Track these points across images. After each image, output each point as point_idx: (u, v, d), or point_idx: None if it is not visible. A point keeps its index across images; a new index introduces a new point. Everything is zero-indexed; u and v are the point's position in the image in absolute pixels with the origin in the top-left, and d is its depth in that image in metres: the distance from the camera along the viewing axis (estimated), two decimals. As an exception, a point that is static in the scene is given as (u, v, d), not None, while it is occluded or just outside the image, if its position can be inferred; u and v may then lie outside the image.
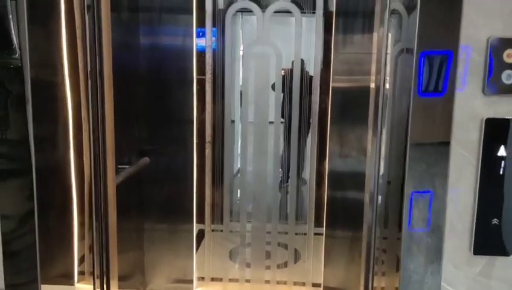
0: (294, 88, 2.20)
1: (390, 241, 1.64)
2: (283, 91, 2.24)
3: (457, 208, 1.52)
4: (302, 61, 2.19)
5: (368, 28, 2.05)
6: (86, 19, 1.26)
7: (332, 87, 2.04)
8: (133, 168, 1.97)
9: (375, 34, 1.51)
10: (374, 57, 1.50)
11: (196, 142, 2.23)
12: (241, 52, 2.22)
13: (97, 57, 1.26)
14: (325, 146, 2.20)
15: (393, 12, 1.44)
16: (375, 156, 1.46)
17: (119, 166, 1.94)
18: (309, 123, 2.30)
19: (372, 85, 1.51)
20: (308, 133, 2.35)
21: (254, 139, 2.24)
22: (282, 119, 2.31)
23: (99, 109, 1.31)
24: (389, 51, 1.44)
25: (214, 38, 2.20)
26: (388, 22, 1.35)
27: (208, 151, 2.27)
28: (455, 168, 1.52)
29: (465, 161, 1.51)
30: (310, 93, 2.24)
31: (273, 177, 2.36)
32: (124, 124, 2.07)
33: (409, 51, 1.46)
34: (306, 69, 2.21)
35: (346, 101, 2.07)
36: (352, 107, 2.08)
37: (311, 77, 2.22)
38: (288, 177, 2.45)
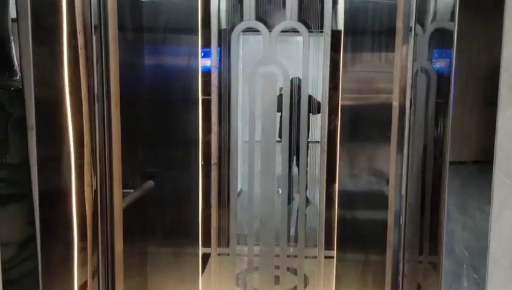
0: (292, 107, 2.16)
1: (411, 265, 1.55)
2: (279, 110, 2.20)
3: (501, 240, 1.42)
4: (299, 80, 2.15)
5: (378, 47, 2.02)
6: (92, 39, 1.21)
7: (341, 106, 2.00)
8: (138, 193, 1.90)
9: (396, 53, 1.47)
10: (396, 75, 1.45)
11: (202, 164, 2.18)
12: (247, 72, 2.19)
13: (104, 79, 1.21)
14: (335, 167, 2.14)
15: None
16: (399, 176, 1.39)
17: (124, 190, 1.89)
18: (307, 143, 2.24)
19: (395, 104, 1.45)
20: (307, 153, 2.29)
21: (261, 158, 2.19)
22: (278, 139, 2.26)
23: (106, 133, 1.25)
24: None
25: (219, 58, 2.17)
26: (414, 39, 1.31)
27: (213, 173, 2.21)
28: (498, 197, 1.41)
29: (510, 190, 1.41)
30: (309, 111, 2.19)
31: (280, 198, 2.30)
32: (128, 146, 2.01)
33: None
34: (303, 88, 2.17)
35: (356, 120, 2.02)
36: (362, 126, 2.03)
37: (309, 96, 2.18)
38: (290, 198, 2.38)
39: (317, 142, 2.29)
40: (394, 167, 1.45)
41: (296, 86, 2.17)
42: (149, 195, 2.09)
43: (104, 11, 1.24)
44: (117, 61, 1.24)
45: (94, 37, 1.22)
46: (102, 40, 1.24)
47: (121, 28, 1.92)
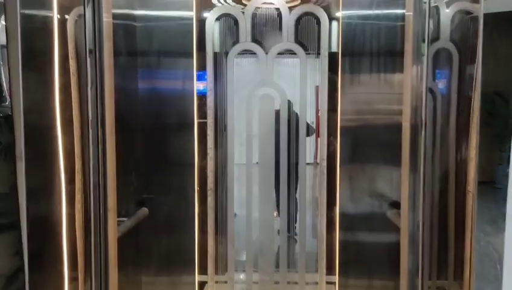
0: (282, 130, 2.11)
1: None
2: (276, 131, 2.15)
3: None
4: (289, 102, 2.11)
5: (377, 68, 2.00)
6: (87, 64, 1.16)
7: (340, 127, 1.97)
8: (132, 222, 1.83)
9: (405, 74, 1.44)
10: (406, 95, 1.42)
11: (197, 190, 2.12)
12: (244, 95, 2.16)
13: (99, 104, 1.15)
14: (335, 190, 2.09)
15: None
16: (413, 198, 1.33)
17: (117, 219, 1.82)
18: (297, 168, 2.18)
19: (406, 124, 1.41)
20: (297, 179, 2.23)
21: (258, 181, 2.14)
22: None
23: (101, 159, 1.19)
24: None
25: (215, 81, 2.13)
26: (427, 60, 1.28)
27: (210, 198, 2.15)
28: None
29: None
30: (297, 134, 2.14)
31: (279, 222, 2.23)
32: (121, 172, 1.95)
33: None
34: (294, 110, 2.13)
35: (356, 141, 1.98)
36: (362, 147, 1.99)
37: (297, 116, 2.14)
38: (289, 222, 2.31)
39: (308, 163, 2.24)
40: (407, 189, 1.39)
41: (291, 108, 2.13)
42: (143, 222, 2.02)
43: (100, 36, 1.19)
44: (112, 86, 1.19)
45: (88, 62, 1.17)
46: (97, 65, 1.19)
47: (115, 52, 1.89)
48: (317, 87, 2.10)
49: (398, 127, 1.84)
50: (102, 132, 1.18)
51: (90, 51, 1.19)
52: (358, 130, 1.99)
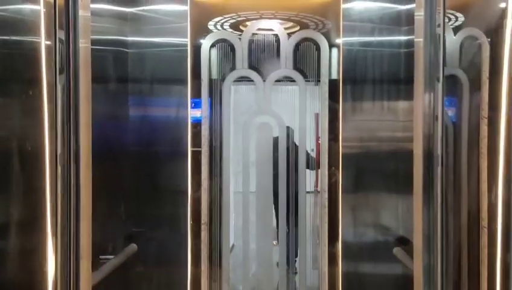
0: (281, 160, 2.01)
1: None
2: (274, 159, 2.04)
3: None
4: (290, 129, 2.02)
5: (380, 95, 1.93)
6: (57, 91, 1.02)
7: (342, 156, 1.87)
8: (118, 259, 1.69)
9: (416, 101, 1.36)
10: (417, 123, 1.33)
11: (191, 224, 1.99)
12: (240, 123, 2.07)
13: (72, 137, 1.01)
14: (337, 222, 1.97)
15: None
16: (427, 231, 1.22)
17: (102, 256, 1.68)
18: (296, 199, 2.07)
19: (418, 152, 1.31)
20: (297, 212, 2.11)
21: (256, 211, 2.03)
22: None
23: (73, 199, 1.05)
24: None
25: (210, 109, 2.04)
26: (443, 87, 1.20)
27: (203, 233, 2.01)
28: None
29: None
30: (296, 164, 2.03)
31: (278, 254, 2.09)
32: (108, 205, 1.83)
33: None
34: (293, 139, 2.03)
35: (358, 171, 1.89)
36: (365, 177, 1.89)
37: (295, 144, 2.04)
38: (288, 259, 2.18)
39: (309, 192, 2.14)
40: (420, 221, 1.28)
41: (286, 136, 2.03)
42: (132, 260, 1.88)
43: (75, 62, 1.08)
44: (89, 116, 1.07)
45: (59, 89, 1.05)
46: (72, 94, 1.06)
47: (104, 79, 1.80)
48: (317, 115, 2.01)
49: (405, 156, 1.74)
50: (75, 167, 1.04)
51: (61, 70, 1.07)
52: (361, 159, 1.90)
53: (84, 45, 1.10)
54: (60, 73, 1.03)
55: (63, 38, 1.06)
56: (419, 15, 1.33)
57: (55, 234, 1.05)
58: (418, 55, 1.32)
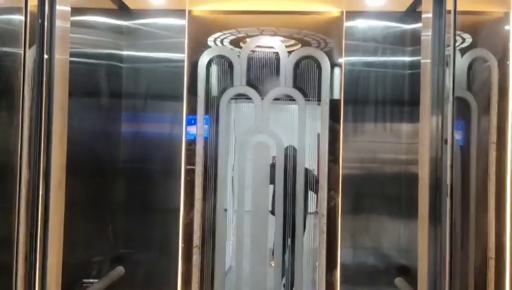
0: (287, 179, 1.93)
1: None
2: (272, 182, 1.96)
3: None
4: (294, 149, 1.94)
5: (383, 116, 1.86)
6: (23, 108, 0.91)
7: (342, 178, 1.79)
8: (103, 283, 1.59)
9: (422, 124, 1.28)
10: (423, 146, 1.26)
11: (182, 247, 1.89)
12: (237, 142, 1.99)
13: (41, 151, 0.91)
14: (336, 249, 1.88)
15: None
16: (433, 257, 1.13)
17: (85, 280, 1.58)
18: (304, 221, 1.99)
19: (423, 175, 1.24)
20: (304, 233, 2.02)
21: (251, 233, 1.96)
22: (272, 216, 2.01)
23: (40, 229, 0.94)
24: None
25: (206, 127, 1.97)
26: (453, 109, 1.12)
27: (195, 257, 1.91)
28: None
29: None
30: (306, 185, 1.96)
31: (274, 275, 1.99)
32: (94, 225, 1.73)
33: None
34: (299, 159, 1.95)
35: (359, 194, 1.80)
36: (366, 201, 1.81)
37: (306, 169, 1.96)
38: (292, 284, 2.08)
39: (311, 213, 2.06)
40: (426, 250, 1.19)
41: (290, 156, 1.95)
42: (118, 284, 1.77)
43: (50, 75, 0.99)
44: (63, 130, 0.98)
45: (26, 102, 0.95)
46: (43, 110, 0.96)
47: (96, 93, 1.73)
48: (318, 135, 1.94)
49: (408, 180, 1.67)
50: (45, 189, 0.93)
51: (34, 90, 0.97)
52: (362, 181, 1.82)
53: (61, 57, 1.02)
54: (33, 85, 0.94)
55: (37, 50, 0.98)
56: (427, 35, 1.27)
57: (17, 256, 0.94)
58: (424, 76, 1.26)
